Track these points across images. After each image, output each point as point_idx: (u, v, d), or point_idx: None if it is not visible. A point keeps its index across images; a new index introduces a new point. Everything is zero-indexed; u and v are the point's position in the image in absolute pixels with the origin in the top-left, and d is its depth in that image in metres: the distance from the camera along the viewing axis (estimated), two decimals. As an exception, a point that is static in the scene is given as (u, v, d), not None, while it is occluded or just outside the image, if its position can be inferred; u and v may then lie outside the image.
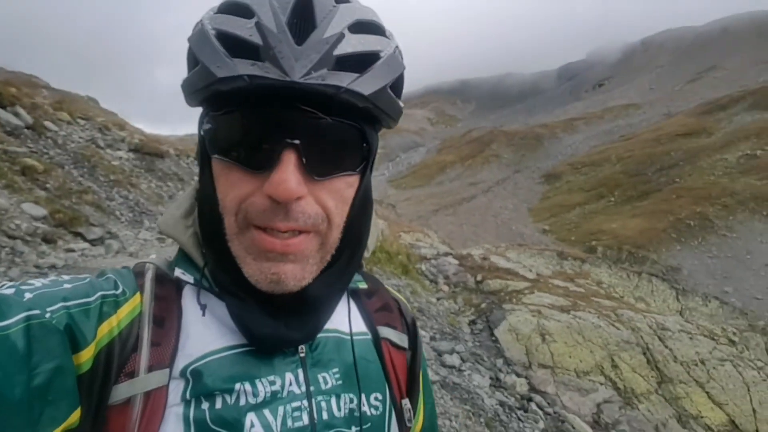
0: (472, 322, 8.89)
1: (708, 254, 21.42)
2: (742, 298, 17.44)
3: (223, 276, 0.69)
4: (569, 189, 36.40)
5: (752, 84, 45.88)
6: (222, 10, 0.66)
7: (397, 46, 0.69)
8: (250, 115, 0.61)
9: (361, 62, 0.63)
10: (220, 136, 0.64)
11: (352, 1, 0.68)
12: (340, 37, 0.62)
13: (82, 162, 8.69)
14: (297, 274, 0.66)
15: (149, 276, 0.71)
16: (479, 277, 10.19)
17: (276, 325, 0.68)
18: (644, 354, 7.72)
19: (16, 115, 7.66)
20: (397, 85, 0.69)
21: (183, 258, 0.74)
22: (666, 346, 7.90)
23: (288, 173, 0.60)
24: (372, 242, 0.82)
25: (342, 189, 0.67)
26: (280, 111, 0.60)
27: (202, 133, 0.66)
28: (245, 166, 0.63)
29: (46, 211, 6.08)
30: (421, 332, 7.96)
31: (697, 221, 23.63)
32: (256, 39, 0.60)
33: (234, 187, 0.64)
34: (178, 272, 0.71)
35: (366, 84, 0.62)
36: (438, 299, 9.53)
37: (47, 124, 8.09)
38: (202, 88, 0.62)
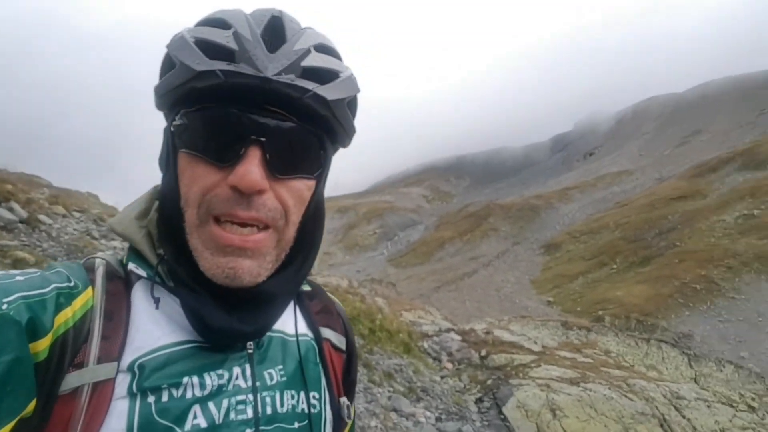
0: (479, 400, 8.56)
1: (718, 318, 20.99)
2: (759, 363, 16.87)
3: (179, 269, 0.71)
4: (570, 258, 36.27)
5: (738, 145, 46.92)
6: (201, 23, 0.72)
7: (352, 72, 0.76)
8: (220, 112, 0.66)
9: (323, 76, 0.70)
10: (190, 131, 0.68)
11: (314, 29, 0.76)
12: (307, 52, 0.69)
13: (75, 253, 8.67)
14: (253, 270, 0.69)
15: (100, 272, 0.72)
16: (483, 352, 9.91)
17: (229, 319, 0.70)
18: (661, 426, 7.34)
19: (11, 210, 7.74)
20: (352, 105, 0.76)
21: (135, 255, 0.75)
22: (683, 416, 7.52)
23: (253, 166, 0.65)
24: (315, 263, 0.86)
25: (301, 189, 0.72)
26: (248, 109, 0.65)
27: (172, 129, 0.70)
28: (212, 159, 0.67)
29: (35, 304, 5.97)
30: (426, 413, 7.64)
31: (703, 285, 23.37)
32: (233, 45, 0.66)
33: (199, 180, 0.67)
34: (131, 266, 0.74)
35: (329, 91, 0.69)
36: (442, 377, 9.23)
37: (41, 217, 8.14)
38: (179, 86, 0.67)
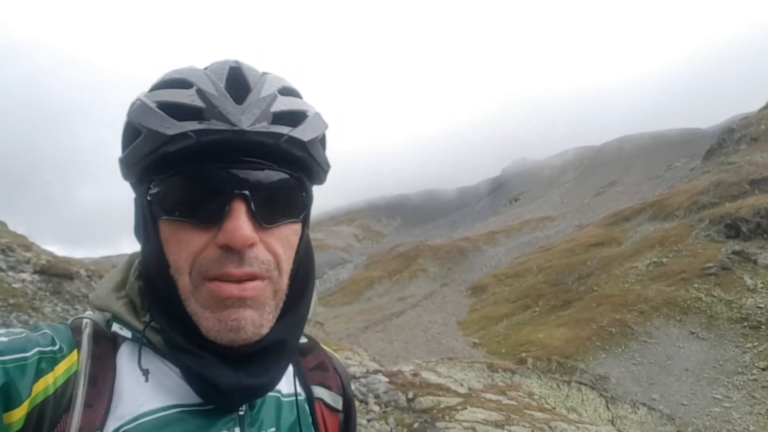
0: (405, 445, 8.41)
1: (632, 361, 21.91)
2: (669, 405, 17.69)
3: (177, 336, 0.68)
4: (495, 301, 37.06)
5: (648, 197, 50.34)
6: (158, 86, 0.69)
7: (317, 110, 0.76)
8: (198, 172, 0.65)
9: (294, 118, 0.69)
10: (169, 197, 0.66)
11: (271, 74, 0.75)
12: (274, 97, 0.68)
13: (-23, 286, 7.95)
14: (255, 320, 0.66)
15: (87, 332, 0.69)
16: (411, 395, 9.81)
17: (237, 376, 0.67)
18: (581, 468, 7.46)
19: None
20: (323, 141, 0.76)
21: (119, 319, 0.72)
22: (602, 459, 7.69)
23: (241, 221, 0.63)
24: (311, 310, 0.82)
25: (289, 236, 0.71)
26: (226, 164, 0.64)
27: (149, 198, 0.67)
28: (197, 222, 0.65)
29: None
30: (351, 460, 7.40)
31: (618, 328, 24.39)
32: (199, 102, 0.64)
33: (186, 245, 0.65)
34: (115, 327, 0.70)
35: (303, 133, 0.68)
36: (369, 421, 9.02)
37: (-60, 245, 7.41)
38: (149, 154, 0.64)
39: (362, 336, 31.08)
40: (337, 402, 0.89)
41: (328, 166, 0.78)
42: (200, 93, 0.65)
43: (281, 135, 0.66)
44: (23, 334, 0.63)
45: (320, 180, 0.79)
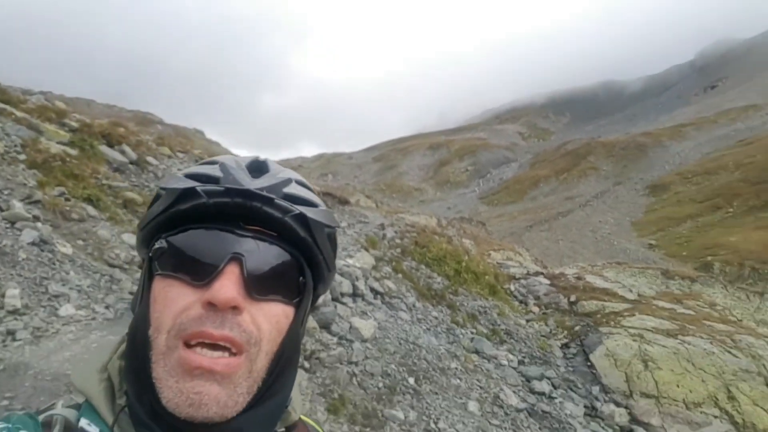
0: (565, 346, 8.41)
1: None
2: None
3: (139, 408, 0.65)
4: (678, 201, 33.87)
5: None
6: (192, 167, 0.74)
7: (329, 209, 0.77)
8: (200, 231, 0.66)
9: (304, 202, 0.71)
10: (168, 253, 0.67)
11: None
12: (289, 181, 0.72)
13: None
14: (221, 398, 0.62)
15: (56, 431, 0.66)
16: (573, 298, 9.61)
17: None
18: (767, 385, 6.80)
19: (122, 152, 8.32)
20: (332, 239, 0.75)
21: (90, 409, 0.68)
22: (795, 378, 6.91)
23: (229, 282, 0.62)
24: (299, 404, 0.80)
25: (278, 315, 0.68)
26: (228, 227, 0.66)
27: (150, 254, 0.68)
28: (188, 279, 0.64)
29: (143, 241, 6.52)
30: (509, 356, 7.60)
31: (836, 233, 20.95)
32: (218, 173, 0.69)
33: (173, 303, 0.64)
34: (83, 422, 0.66)
35: (309, 212, 0.69)
36: (528, 321, 9.12)
37: (149, 159, 8.67)
38: (162, 212, 0.68)
39: (525, 235, 30.76)
40: None
41: (334, 268, 0.77)
42: (222, 166, 0.70)
43: (289, 210, 0.67)
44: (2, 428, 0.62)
45: (322, 277, 0.75)
